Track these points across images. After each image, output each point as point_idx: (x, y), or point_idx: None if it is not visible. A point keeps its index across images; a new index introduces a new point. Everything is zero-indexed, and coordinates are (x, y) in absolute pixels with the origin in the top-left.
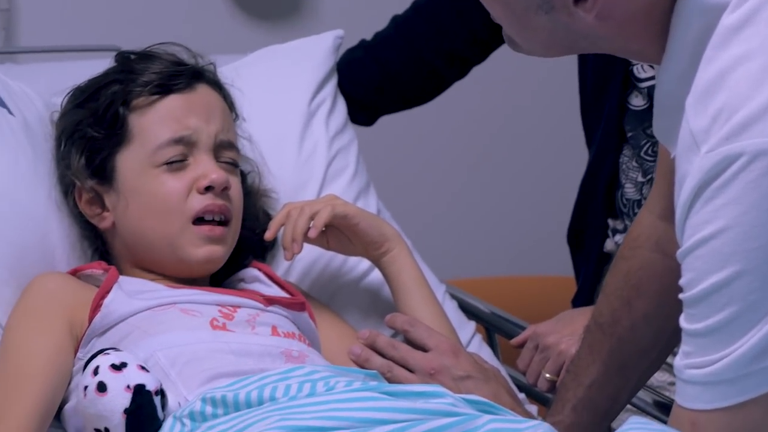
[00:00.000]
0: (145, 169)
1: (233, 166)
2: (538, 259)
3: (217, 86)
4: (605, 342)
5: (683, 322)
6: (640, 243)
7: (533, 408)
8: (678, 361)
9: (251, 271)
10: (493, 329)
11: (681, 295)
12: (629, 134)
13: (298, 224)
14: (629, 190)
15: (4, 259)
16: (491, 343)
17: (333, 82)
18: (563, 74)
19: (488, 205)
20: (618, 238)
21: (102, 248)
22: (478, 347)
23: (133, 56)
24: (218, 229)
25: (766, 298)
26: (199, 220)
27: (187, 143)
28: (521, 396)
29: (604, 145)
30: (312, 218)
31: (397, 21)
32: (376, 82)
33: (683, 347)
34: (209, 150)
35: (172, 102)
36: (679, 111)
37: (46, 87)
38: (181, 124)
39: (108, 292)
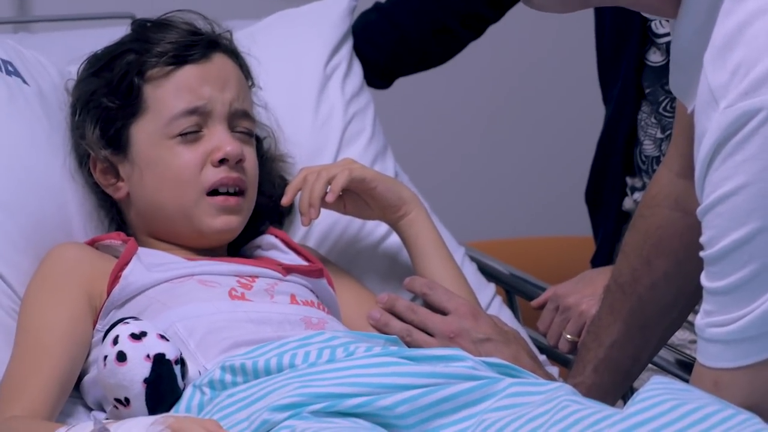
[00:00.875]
0: (159, 140)
1: (248, 135)
2: (557, 219)
3: (234, 55)
4: (625, 302)
5: (704, 280)
6: (659, 201)
7: (554, 369)
8: (699, 320)
9: (268, 238)
10: (513, 291)
11: (702, 253)
12: (647, 90)
13: (315, 189)
14: (648, 147)
15: (21, 228)
16: (511, 304)
17: (348, 45)
18: (579, 31)
19: (506, 166)
20: (636, 195)
21: (118, 218)
22: (498, 309)
23: (149, 24)
24: (233, 200)
25: None
26: (213, 192)
27: (201, 113)
28: (542, 358)
29: (622, 101)
30: (329, 182)
31: None
32: (391, 45)
33: (704, 306)
34: (224, 119)
35: (187, 72)
36: (696, 66)
37: (61, 56)
38: (196, 94)
39: (127, 263)
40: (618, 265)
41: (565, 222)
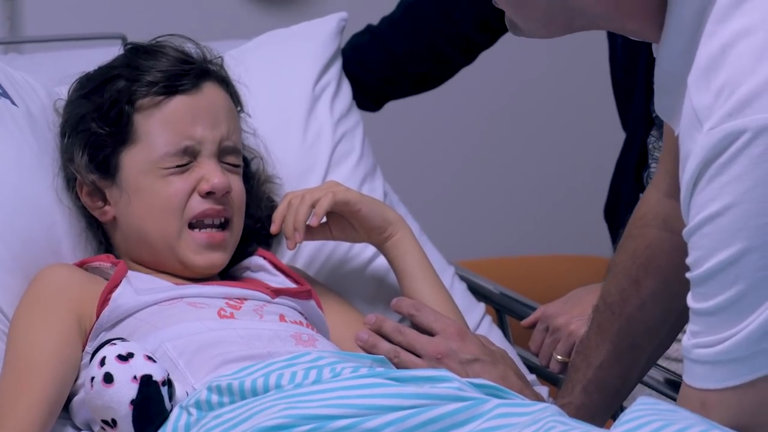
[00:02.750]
0: (150, 170)
1: (236, 167)
2: (548, 238)
3: (224, 83)
4: (614, 322)
5: (691, 301)
6: (647, 221)
7: (544, 389)
8: (686, 340)
9: (256, 260)
10: (504, 310)
11: (688, 274)
12: (654, 114)
13: (300, 213)
14: (654, 169)
15: (10, 248)
16: (502, 324)
17: (337, 65)
18: (579, 52)
19: (496, 185)
20: None
21: (105, 241)
22: (488, 329)
23: (140, 50)
24: (218, 236)
25: None
26: (198, 224)
27: (191, 152)
28: (531, 377)
29: (633, 126)
30: (313, 206)
31: (404, 4)
32: (382, 67)
33: (691, 326)
34: (213, 155)
35: (178, 104)
36: (681, 88)
37: (51, 76)
38: (186, 133)
39: (117, 285)
40: (606, 285)
41: (556, 241)
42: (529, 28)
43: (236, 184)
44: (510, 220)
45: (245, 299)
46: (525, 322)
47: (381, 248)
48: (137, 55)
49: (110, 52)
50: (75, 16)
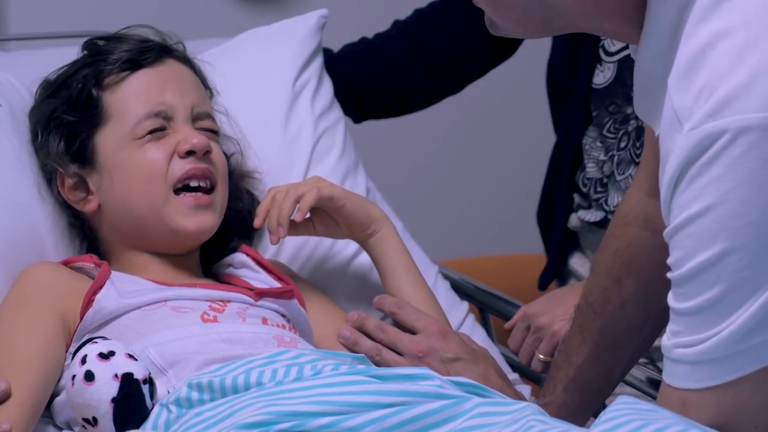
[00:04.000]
0: (126, 143)
1: (213, 133)
2: (531, 237)
3: (187, 62)
4: (596, 321)
5: (672, 300)
6: (629, 221)
7: (527, 388)
8: (666, 340)
9: (239, 257)
10: (487, 309)
11: (669, 274)
12: (594, 113)
13: (284, 208)
14: (591, 170)
15: None
16: (485, 323)
17: (318, 62)
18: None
19: (480, 183)
20: (581, 213)
21: (90, 236)
22: (471, 327)
23: (99, 41)
24: (204, 198)
25: (755, 275)
26: (184, 189)
27: (164, 117)
28: (514, 376)
29: (569, 126)
30: (297, 201)
31: (399, 25)
32: (372, 75)
33: (671, 326)
34: (187, 120)
35: (144, 77)
36: (661, 88)
37: (36, 74)
38: (157, 99)
39: (101, 287)
40: (588, 284)
41: (539, 240)
42: (508, 28)
43: (216, 148)
44: (494, 219)
45: (228, 301)
46: (508, 324)
47: (364, 245)
48: (97, 46)
49: None
50: (60, 14)
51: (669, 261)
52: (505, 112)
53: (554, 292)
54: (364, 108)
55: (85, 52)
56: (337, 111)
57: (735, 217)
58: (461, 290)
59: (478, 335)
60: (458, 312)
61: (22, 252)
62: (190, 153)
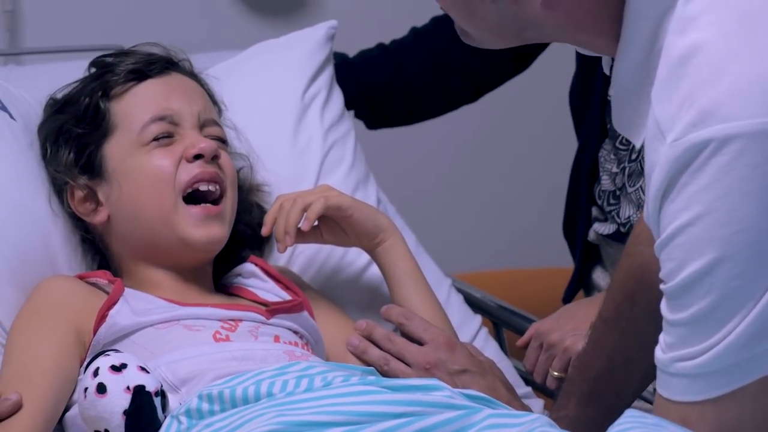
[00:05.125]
0: (134, 150)
1: (221, 141)
2: (546, 251)
3: (193, 76)
4: (609, 336)
5: (665, 311)
6: (643, 239)
7: (539, 402)
8: (661, 354)
9: (248, 266)
10: (501, 323)
11: (662, 286)
12: (609, 125)
13: (291, 216)
14: (605, 182)
15: (7, 259)
16: (498, 337)
17: (327, 73)
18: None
19: (494, 197)
20: (596, 226)
21: (102, 251)
22: (484, 341)
23: (106, 57)
24: (213, 208)
25: (748, 283)
26: (192, 198)
27: (171, 122)
28: (527, 389)
29: (586, 138)
30: (305, 210)
31: (416, 31)
32: (384, 77)
33: (665, 338)
34: (194, 126)
35: (150, 86)
36: (639, 101)
37: (50, 87)
38: (163, 105)
39: (114, 303)
40: (604, 302)
41: (554, 254)
42: (480, 37)
43: (225, 156)
44: (508, 233)
45: (241, 320)
46: (520, 341)
47: (372, 254)
48: (104, 62)
49: None
50: (74, 28)
51: (661, 274)
52: (520, 125)
53: (565, 308)
54: (375, 112)
55: (93, 69)
56: (348, 122)
57: (725, 226)
58: (475, 304)
59: (491, 349)
60: (471, 325)
61: (35, 265)
62: (198, 157)
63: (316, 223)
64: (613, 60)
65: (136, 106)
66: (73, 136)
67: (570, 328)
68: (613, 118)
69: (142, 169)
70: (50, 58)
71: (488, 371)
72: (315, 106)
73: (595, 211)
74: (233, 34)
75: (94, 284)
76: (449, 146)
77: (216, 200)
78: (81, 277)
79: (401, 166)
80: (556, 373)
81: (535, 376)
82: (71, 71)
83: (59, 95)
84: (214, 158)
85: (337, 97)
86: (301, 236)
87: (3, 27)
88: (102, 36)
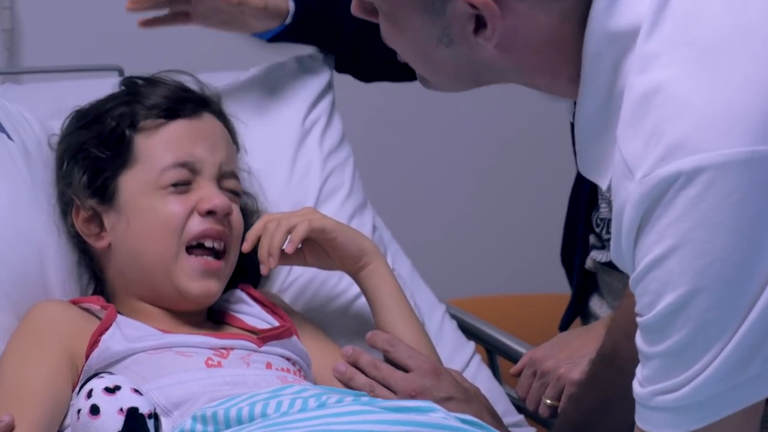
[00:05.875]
0: (149, 190)
1: (235, 195)
2: (540, 276)
3: (222, 117)
4: (606, 372)
5: (642, 344)
6: None
7: (532, 430)
8: (639, 388)
9: (236, 293)
10: (495, 350)
11: (639, 320)
12: None
13: (275, 238)
14: (603, 210)
15: (2, 285)
16: (492, 364)
17: (328, 99)
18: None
19: (489, 222)
20: (594, 254)
21: (97, 275)
22: (477, 368)
23: (139, 81)
24: (214, 264)
25: (724, 314)
26: (196, 247)
27: (191, 169)
28: (518, 418)
29: None
30: (289, 232)
31: None
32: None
33: (642, 371)
34: (213, 178)
35: (179, 127)
36: (603, 143)
37: (48, 106)
38: (187, 151)
39: (107, 328)
40: (603, 341)
41: (548, 279)
42: (438, 83)
43: (236, 211)
44: (503, 258)
45: (232, 348)
46: (513, 370)
47: (356, 278)
48: (136, 86)
49: (107, 83)
50: (72, 47)
51: (637, 308)
52: (518, 151)
53: (559, 337)
54: (355, 53)
55: (123, 88)
56: (346, 149)
57: (698, 257)
58: (468, 330)
59: (483, 376)
60: (464, 352)
61: (29, 289)
62: (210, 213)
63: (299, 245)
64: (575, 104)
65: (161, 147)
66: (92, 157)
67: (564, 356)
68: (578, 162)
69: (154, 212)
70: (49, 77)
71: (474, 398)
72: (315, 132)
73: (592, 239)
74: (234, 54)
75: (87, 309)
76: (444, 173)
77: (218, 254)
78: (74, 302)
79: (397, 192)
80: (549, 401)
81: (527, 403)
82: (70, 91)
83: (86, 108)
84: (225, 215)
85: (336, 123)
86: (285, 258)
87: (1, 46)
88: (101, 56)
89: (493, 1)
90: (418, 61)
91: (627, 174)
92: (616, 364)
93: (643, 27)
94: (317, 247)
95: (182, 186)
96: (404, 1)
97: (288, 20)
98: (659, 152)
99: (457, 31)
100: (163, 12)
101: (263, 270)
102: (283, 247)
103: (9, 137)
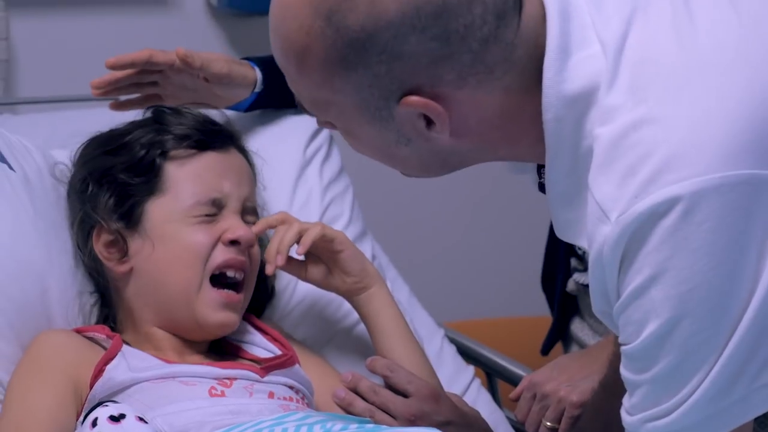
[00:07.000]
0: (177, 219)
1: None
2: (539, 300)
3: (245, 153)
4: (607, 401)
5: (627, 373)
6: None
7: None
8: (628, 417)
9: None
10: (494, 374)
11: (623, 349)
12: None
13: (286, 238)
14: None
15: (4, 313)
16: (492, 387)
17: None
18: None
19: (487, 246)
20: (576, 276)
21: (105, 301)
22: (477, 392)
23: (165, 111)
24: (235, 297)
25: (708, 338)
26: (219, 278)
27: (218, 204)
28: None
29: None
30: (300, 234)
31: None
32: None
33: (630, 400)
34: (237, 212)
35: (210, 159)
36: (577, 205)
37: (46, 137)
38: (216, 186)
39: (112, 358)
40: (605, 372)
41: (544, 302)
42: (411, 174)
43: (256, 245)
44: (501, 282)
45: (235, 378)
46: (513, 394)
47: (353, 299)
48: (163, 115)
49: (104, 113)
50: (69, 77)
51: (621, 339)
52: (508, 175)
53: (557, 360)
54: None
55: (150, 116)
56: (346, 179)
57: (678, 284)
58: (468, 354)
59: (483, 400)
60: (464, 376)
61: (33, 319)
62: (233, 242)
63: (302, 258)
64: (541, 168)
65: (193, 180)
66: (119, 182)
67: (564, 379)
68: (555, 227)
69: (181, 240)
70: (45, 107)
71: (473, 423)
72: (315, 161)
73: (574, 262)
74: None
75: (91, 338)
76: (442, 198)
77: (237, 286)
78: (79, 331)
79: (395, 216)
80: (549, 423)
81: (527, 426)
82: (66, 121)
83: (109, 134)
84: (249, 247)
85: (336, 153)
86: (287, 265)
87: None
88: None
89: (431, 98)
90: (387, 161)
91: (602, 218)
92: (617, 392)
93: (602, 83)
94: (320, 262)
95: (209, 217)
96: (353, 117)
97: (257, 88)
98: (633, 189)
99: (409, 130)
100: (134, 95)
101: (268, 270)
102: (294, 250)
103: (10, 167)
